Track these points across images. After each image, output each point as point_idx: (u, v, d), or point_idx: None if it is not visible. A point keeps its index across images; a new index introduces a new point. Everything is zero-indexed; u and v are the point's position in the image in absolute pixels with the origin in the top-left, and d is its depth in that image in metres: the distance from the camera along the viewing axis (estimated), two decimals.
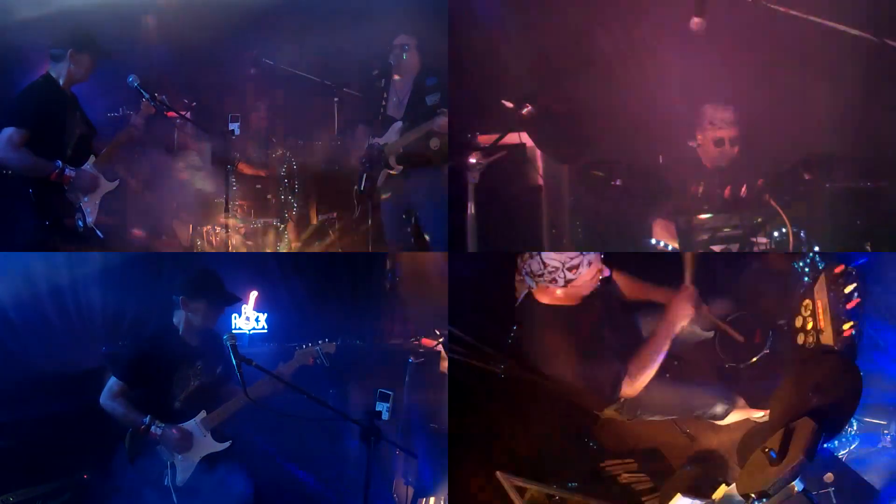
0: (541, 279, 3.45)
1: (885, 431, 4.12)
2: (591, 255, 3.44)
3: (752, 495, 3.21)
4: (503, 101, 4.04)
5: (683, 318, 3.58)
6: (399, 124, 4.95)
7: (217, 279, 4.05)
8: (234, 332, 4.64)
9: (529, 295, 3.62)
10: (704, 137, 4.45)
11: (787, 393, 3.53)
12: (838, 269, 3.77)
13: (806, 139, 4.46)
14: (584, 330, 3.52)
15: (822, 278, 3.70)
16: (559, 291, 3.48)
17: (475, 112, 4.78)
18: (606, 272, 3.50)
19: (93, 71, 4.29)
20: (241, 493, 3.93)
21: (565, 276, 3.40)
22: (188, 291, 3.96)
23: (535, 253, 3.46)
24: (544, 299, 3.56)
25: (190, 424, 3.88)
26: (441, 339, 4.55)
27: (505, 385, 3.95)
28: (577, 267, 3.40)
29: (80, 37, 4.25)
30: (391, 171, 4.94)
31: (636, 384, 3.52)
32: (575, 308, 3.56)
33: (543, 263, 3.40)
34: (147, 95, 4.34)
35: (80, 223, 4.23)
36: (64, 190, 4.19)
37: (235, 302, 4.25)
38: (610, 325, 3.67)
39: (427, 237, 5.01)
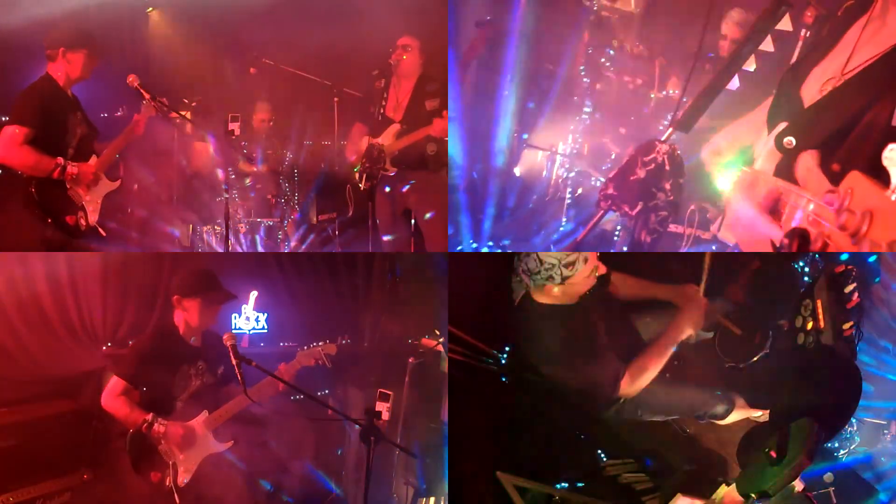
0: (538, 276, 3.43)
1: (885, 431, 4.13)
2: (587, 252, 3.41)
3: (753, 495, 3.21)
4: None
5: (693, 327, 3.58)
6: (396, 126, 4.95)
7: (212, 277, 4.02)
8: (233, 331, 4.64)
9: (527, 295, 3.61)
10: None
11: (787, 393, 3.53)
12: (838, 269, 3.77)
13: None
14: (583, 329, 3.51)
15: (822, 278, 3.69)
16: (556, 290, 3.44)
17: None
18: (603, 269, 3.47)
19: (92, 68, 4.27)
20: None
21: (562, 272, 3.37)
22: (182, 290, 3.95)
23: (531, 251, 3.45)
24: (542, 299, 3.53)
25: (192, 424, 3.86)
26: (441, 339, 4.55)
27: (505, 385, 3.95)
28: (573, 264, 3.36)
29: (73, 35, 4.22)
30: (386, 173, 4.96)
31: (636, 384, 3.52)
32: (572, 307, 3.55)
33: (540, 261, 3.39)
34: (147, 96, 4.34)
35: (82, 222, 4.22)
36: (66, 188, 4.19)
37: (231, 299, 4.14)
38: (608, 325, 3.66)
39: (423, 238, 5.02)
